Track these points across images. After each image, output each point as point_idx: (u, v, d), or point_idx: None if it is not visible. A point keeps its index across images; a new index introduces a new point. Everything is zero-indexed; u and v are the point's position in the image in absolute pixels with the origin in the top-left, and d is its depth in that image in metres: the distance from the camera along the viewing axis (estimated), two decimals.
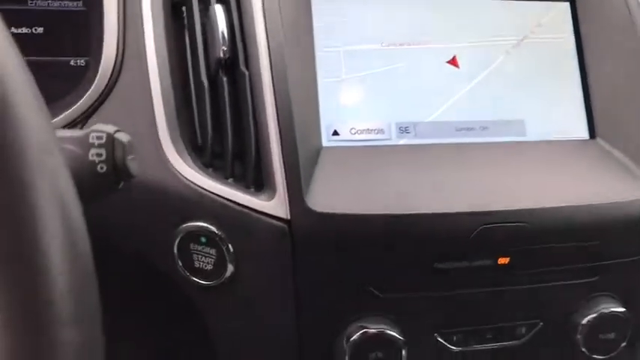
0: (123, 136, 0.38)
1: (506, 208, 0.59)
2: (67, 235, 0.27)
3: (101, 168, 0.37)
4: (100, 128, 0.38)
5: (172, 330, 0.72)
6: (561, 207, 0.60)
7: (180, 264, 0.59)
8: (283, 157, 0.56)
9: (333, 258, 0.57)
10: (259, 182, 0.59)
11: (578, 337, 0.64)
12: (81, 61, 0.66)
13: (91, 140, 0.37)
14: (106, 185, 0.38)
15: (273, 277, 0.58)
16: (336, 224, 0.56)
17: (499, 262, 0.60)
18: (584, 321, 0.64)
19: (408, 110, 0.64)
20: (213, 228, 0.57)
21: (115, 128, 0.38)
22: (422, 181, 0.60)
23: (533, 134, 0.67)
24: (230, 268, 0.58)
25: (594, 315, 0.64)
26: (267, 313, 0.60)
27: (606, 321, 0.64)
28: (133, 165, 0.39)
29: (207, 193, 0.57)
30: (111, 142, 0.38)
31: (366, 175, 0.60)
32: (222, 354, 0.64)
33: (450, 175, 0.61)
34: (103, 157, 0.37)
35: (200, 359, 0.70)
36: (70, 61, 0.66)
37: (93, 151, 0.37)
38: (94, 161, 0.37)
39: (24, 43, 0.63)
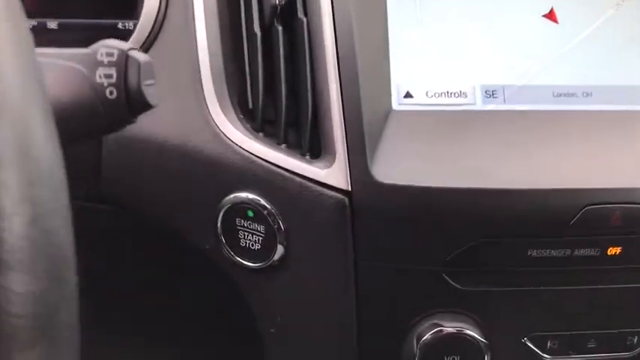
0: (139, 55, 0.31)
1: (618, 186, 0.49)
2: (29, 169, 0.20)
3: (111, 93, 0.30)
4: (111, 43, 0.30)
5: (214, 318, 0.65)
6: None
7: (225, 242, 0.52)
8: (345, 119, 0.49)
9: (402, 238, 0.49)
10: (316, 150, 0.52)
11: None
12: (129, 24, 0.60)
13: (99, 57, 0.30)
14: (117, 115, 0.30)
15: (330, 258, 0.51)
16: (405, 198, 0.48)
17: (608, 253, 0.50)
18: None
19: (496, 71, 0.55)
20: (261, 200, 0.50)
21: (129, 45, 0.31)
22: (512, 153, 0.51)
23: None
24: (280, 248, 0.51)
25: None
26: (322, 301, 0.53)
27: None
28: (151, 92, 0.31)
29: (256, 159, 0.50)
30: (123, 60, 0.30)
31: (444, 143, 0.51)
32: (271, 346, 0.57)
33: (547, 147, 0.52)
34: (114, 80, 0.30)
35: (245, 351, 0.62)
36: (117, 24, 0.60)
37: (101, 70, 0.29)
38: (102, 84, 0.29)
39: (70, 5, 0.60)
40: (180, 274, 0.63)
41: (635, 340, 0.53)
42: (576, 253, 0.49)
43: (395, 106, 0.53)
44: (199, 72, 0.52)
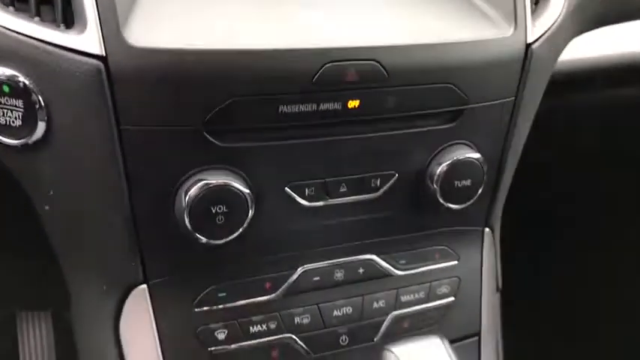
0: None
1: (354, 45, 0.54)
2: None
3: None
4: None
5: None
6: (416, 45, 0.56)
7: None
8: None
9: (161, 100, 0.51)
10: (71, 23, 0.51)
11: (435, 187, 0.62)
12: None
13: None
14: None
15: (93, 128, 0.51)
16: (159, 60, 0.49)
17: (348, 106, 0.55)
18: (439, 170, 0.61)
19: None
20: (16, 73, 0.50)
21: None
22: (261, 16, 0.55)
23: None
24: (41, 125, 0.51)
25: (449, 162, 0.61)
26: (90, 171, 0.53)
27: (461, 167, 0.62)
28: None
29: (6, 31, 0.49)
30: None
31: (198, 6, 0.54)
32: (49, 224, 0.57)
33: (290, 9, 0.56)
34: None
35: (22, 234, 0.62)
36: None
37: None
38: None
39: None
40: None
41: (379, 182, 0.61)
42: (321, 107, 0.54)
43: None
44: None
